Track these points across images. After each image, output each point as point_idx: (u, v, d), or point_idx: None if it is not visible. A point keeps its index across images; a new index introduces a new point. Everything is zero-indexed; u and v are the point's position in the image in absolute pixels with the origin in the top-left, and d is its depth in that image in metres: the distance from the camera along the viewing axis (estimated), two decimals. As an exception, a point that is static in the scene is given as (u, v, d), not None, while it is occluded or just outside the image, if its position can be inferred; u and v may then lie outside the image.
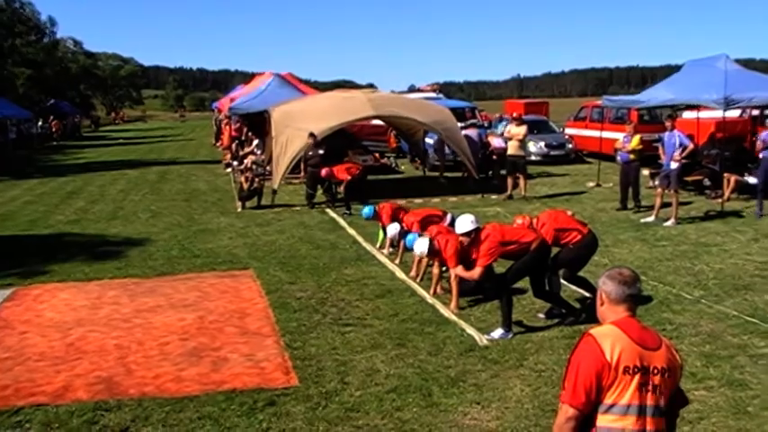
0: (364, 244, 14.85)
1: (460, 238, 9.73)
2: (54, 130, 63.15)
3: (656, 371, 3.74)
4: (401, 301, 10.82)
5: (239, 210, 19.60)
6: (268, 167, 22.75)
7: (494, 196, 20.80)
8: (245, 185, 20.14)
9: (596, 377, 3.68)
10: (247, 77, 61.33)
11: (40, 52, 74.04)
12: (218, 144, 43.92)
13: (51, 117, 65.12)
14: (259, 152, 26.39)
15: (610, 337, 3.76)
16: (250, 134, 29.54)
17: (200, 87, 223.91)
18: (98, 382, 8.02)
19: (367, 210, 14.08)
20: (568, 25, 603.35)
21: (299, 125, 20.51)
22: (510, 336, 9.17)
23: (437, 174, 25.31)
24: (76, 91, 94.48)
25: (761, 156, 17.03)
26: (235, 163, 28.36)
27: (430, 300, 10.78)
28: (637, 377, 3.70)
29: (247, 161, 25.14)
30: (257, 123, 29.45)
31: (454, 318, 9.92)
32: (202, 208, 20.37)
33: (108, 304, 11.05)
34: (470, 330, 9.38)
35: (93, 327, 9.95)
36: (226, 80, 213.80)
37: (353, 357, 8.58)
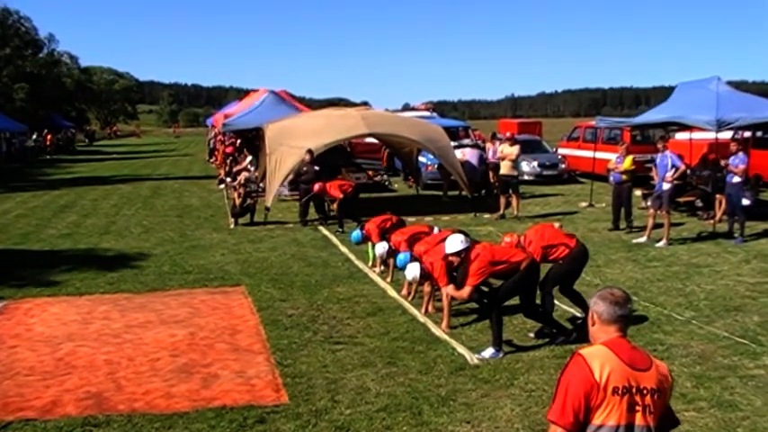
0: (356, 262, 14.86)
1: (450, 258, 9.75)
2: (48, 143, 63.20)
3: (645, 391, 3.74)
4: (392, 319, 10.81)
5: (232, 226, 19.60)
6: (261, 184, 22.77)
7: (486, 215, 20.83)
8: (238, 202, 20.16)
9: (585, 397, 3.69)
10: (242, 94, 61.53)
11: (37, 67, 74.22)
12: (211, 160, 44.02)
13: (45, 130, 65.17)
14: (252, 169, 26.42)
15: (599, 357, 3.77)
16: (245, 151, 29.59)
17: (195, 103, 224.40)
18: (87, 398, 7.98)
19: (355, 234, 14.11)
20: (562, 46, 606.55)
21: (292, 142, 20.55)
22: (500, 355, 9.17)
23: (441, 193, 25.31)
24: (71, 105, 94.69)
25: (726, 180, 17.07)
26: (228, 179, 28.38)
27: (421, 318, 10.77)
28: (626, 398, 3.70)
29: (240, 177, 25.15)
30: (251, 140, 29.50)
31: (445, 337, 9.92)
32: (195, 224, 20.37)
33: (99, 319, 11.02)
34: (461, 349, 9.38)
35: (83, 342, 9.91)
36: (220, 96, 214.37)
37: (344, 375, 8.57)
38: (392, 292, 12.30)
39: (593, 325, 3.97)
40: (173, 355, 9.37)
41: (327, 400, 7.85)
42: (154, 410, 7.63)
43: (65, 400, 7.94)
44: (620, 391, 3.70)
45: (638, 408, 3.72)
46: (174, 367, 8.89)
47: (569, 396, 3.71)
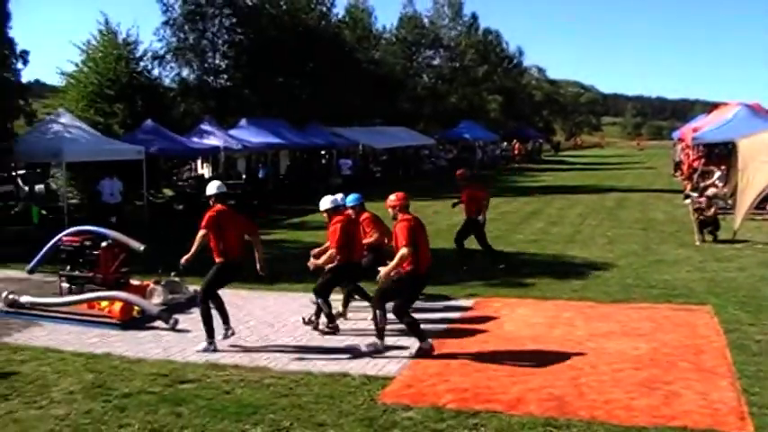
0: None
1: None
2: (516, 152, 66.38)
3: None
4: None
5: (698, 243, 18.96)
6: (729, 201, 21.78)
7: None
8: (704, 218, 19.49)
9: None
10: (707, 107, 59.31)
11: (509, 80, 78.61)
12: (677, 174, 43.12)
13: (514, 140, 68.54)
14: (721, 185, 25.36)
15: None
16: (712, 166, 28.56)
17: (659, 116, 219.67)
18: (550, 399, 8.27)
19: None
20: None
21: (766, 158, 19.35)
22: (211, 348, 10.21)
23: None
24: (539, 116, 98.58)
25: None
26: (694, 194, 27.51)
27: None
28: None
29: (708, 193, 24.25)
30: (720, 155, 28.39)
31: None
32: (659, 238, 20.07)
33: (563, 324, 11.40)
34: None
35: (547, 344, 10.28)
36: (685, 109, 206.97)
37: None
38: None
39: None
40: (635, 368, 9.34)
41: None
42: (613, 421, 7.67)
43: (528, 399, 8.30)
44: None
45: None
46: (635, 380, 8.86)
47: None
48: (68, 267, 13.52)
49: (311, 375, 9.21)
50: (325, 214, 11.41)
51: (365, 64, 53.23)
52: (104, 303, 11.87)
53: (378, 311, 10.17)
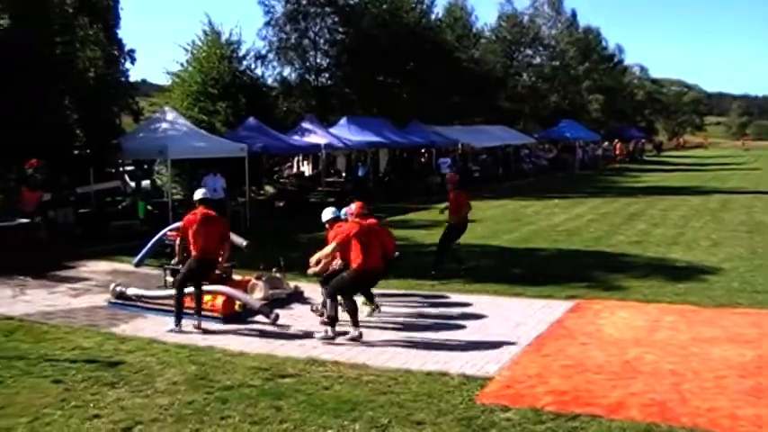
0: None
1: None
2: (617, 152, 65.43)
3: None
4: None
5: (805, 248, 18.33)
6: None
7: None
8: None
9: None
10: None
11: (610, 79, 77.41)
12: (784, 175, 41.90)
13: (616, 140, 67.59)
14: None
15: None
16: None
17: (765, 115, 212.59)
18: (651, 405, 8.11)
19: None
20: None
21: None
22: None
23: None
24: (641, 116, 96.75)
25: None
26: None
27: None
28: None
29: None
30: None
31: None
32: (766, 242, 19.45)
33: (665, 328, 11.17)
34: None
35: (649, 348, 10.09)
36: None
37: None
38: None
39: None
40: (740, 375, 9.07)
41: None
42: (716, 429, 7.47)
43: (629, 403, 8.16)
44: None
45: None
46: (740, 388, 8.61)
47: None
48: (173, 261, 13.90)
49: (410, 373, 9.25)
50: (327, 224, 12.31)
51: (465, 63, 53.10)
52: (207, 297, 12.09)
53: (329, 302, 10.97)
